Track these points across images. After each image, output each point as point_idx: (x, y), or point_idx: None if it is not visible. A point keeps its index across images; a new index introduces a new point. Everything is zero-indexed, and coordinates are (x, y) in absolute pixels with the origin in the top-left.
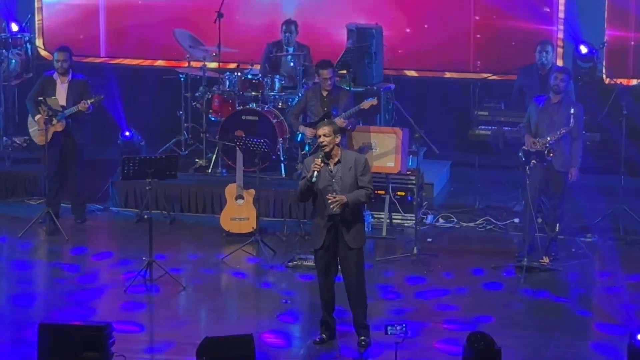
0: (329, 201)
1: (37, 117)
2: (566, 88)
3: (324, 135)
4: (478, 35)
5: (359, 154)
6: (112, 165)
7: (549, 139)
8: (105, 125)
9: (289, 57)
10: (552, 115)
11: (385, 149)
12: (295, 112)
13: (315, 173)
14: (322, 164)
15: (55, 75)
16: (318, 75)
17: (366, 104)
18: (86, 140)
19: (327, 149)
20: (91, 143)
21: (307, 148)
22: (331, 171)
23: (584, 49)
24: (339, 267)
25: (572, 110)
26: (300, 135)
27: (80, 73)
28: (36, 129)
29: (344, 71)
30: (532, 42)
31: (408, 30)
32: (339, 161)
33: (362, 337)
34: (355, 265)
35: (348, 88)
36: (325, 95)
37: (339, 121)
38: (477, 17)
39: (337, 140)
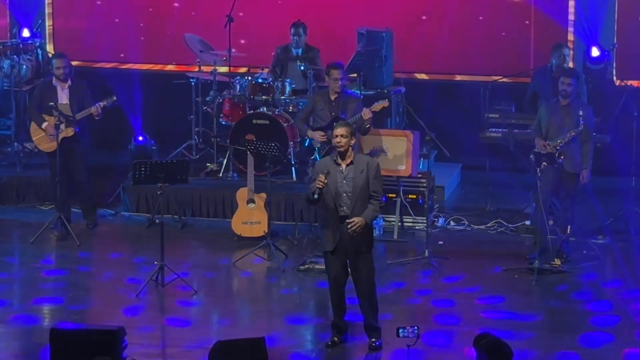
0: (349, 228)
1: (44, 125)
2: (574, 92)
3: (341, 135)
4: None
5: (372, 158)
6: (123, 170)
7: (559, 141)
8: (117, 130)
9: (299, 60)
10: (562, 118)
11: (396, 152)
12: (302, 117)
13: (317, 191)
14: (326, 182)
15: (55, 81)
16: (328, 76)
17: (377, 107)
18: (88, 144)
19: (342, 150)
20: (103, 147)
21: (316, 152)
22: (342, 172)
23: (595, 52)
24: (349, 270)
25: (580, 113)
26: (308, 140)
27: (79, 78)
28: (41, 136)
29: (355, 75)
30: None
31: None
32: (351, 162)
33: (373, 339)
34: (366, 268)
35: (358, 92)
36: (333, 99)
37: (366, 112)
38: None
39: (353, 142)
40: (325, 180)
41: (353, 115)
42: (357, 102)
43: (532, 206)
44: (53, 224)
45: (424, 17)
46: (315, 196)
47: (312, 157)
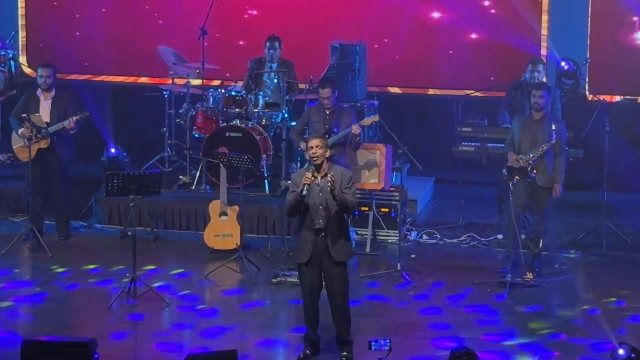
0: (328, 180)
1: (21, 130)
2: (546, 104)
3: (317, 146)
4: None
5: (346, 169)
6: (95, 182)
7: (531, 155)
8: (89, 142)
9: (272, 74)
10: (534, 132)
11: (369, 166)
12: (298, 129)
13: (306, 187)
14: (313, 178)
15: (39, 92)
16: (318, 96)
17: (367, 121)
18: (70, 157)
19: (317, 161)
20: (75, 160)
21: (308, 164)
22: (318, 185)
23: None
24: (323, 282)
25: (553, 127)
26: (300, 153)
27: (64, 89)
28: (20, 145)
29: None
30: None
31: None
32: (325, 174)
33: (345, 353)
34: (339, 280)
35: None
36: (328, 113)
37: (355, 127)
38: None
39: (327, 154)
40: (312, 177)
41: (345, 129)
42: (351, 116)
43: (505, 219)
44: (25, 236)
45: (397, 31)
46: (304, 193)
47: (305, 168)
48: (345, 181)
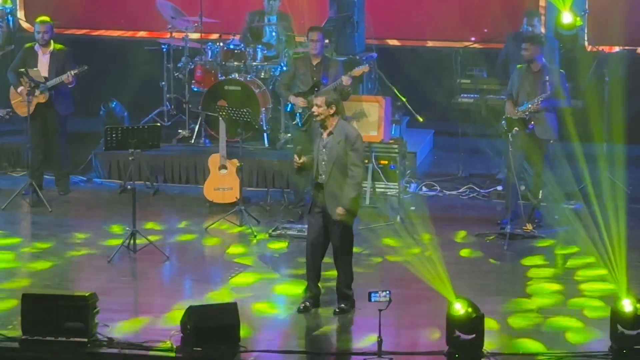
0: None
1: (20, 88)
2: (534, 55)
3: (316, 105)
4: None
5: (354, 129)
6: (95, 137)
7: (529, 107)
8: (88, 97)
9: (272, 26)
10: (532, 84)
11: (369, 118)
12: (284, 82)
13: (296, 170)
14: (300, 162)
15: (37, 47)
16: (307, 39)
17: (357, 72)
18: (68, 112)
19: (318, 119)
20: (74, 114)
21: (297, 117)
22: (322, 140)
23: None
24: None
25: (546, 78)
26: (290, 105)
27: (62, 44)
28: (19, 100)
29: (327, 40)
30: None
31: None
32: (331, 132)
33: (342, 305)
34: (340, 235)
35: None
36: (315, 64)
37: (345, 77)
38: None
39: (331, 111)
40: (300, 161)
41: (334, 80)
42: (339, 66)
43: (504, 172)
44: (25, 191)
45: None
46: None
47: (294, 123)
48: (351, 143)
